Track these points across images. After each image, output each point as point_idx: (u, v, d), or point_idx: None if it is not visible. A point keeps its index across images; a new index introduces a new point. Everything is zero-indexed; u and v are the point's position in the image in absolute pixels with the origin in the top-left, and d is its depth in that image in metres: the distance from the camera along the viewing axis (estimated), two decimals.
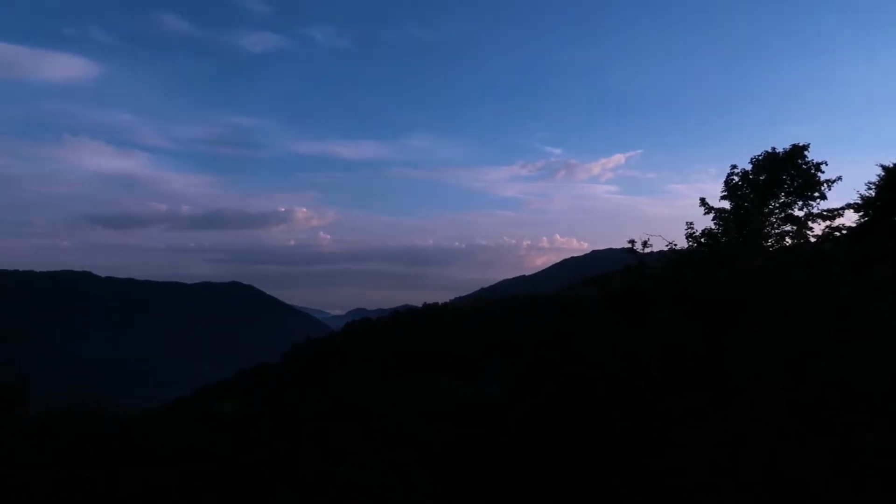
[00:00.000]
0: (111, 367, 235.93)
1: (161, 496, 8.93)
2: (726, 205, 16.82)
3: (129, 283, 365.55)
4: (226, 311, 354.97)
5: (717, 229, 16.03)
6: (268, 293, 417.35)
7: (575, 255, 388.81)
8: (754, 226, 15.59)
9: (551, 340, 13.22)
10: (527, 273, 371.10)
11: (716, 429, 8.12)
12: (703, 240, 15.62)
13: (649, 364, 9.87)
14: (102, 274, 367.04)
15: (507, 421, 11.42)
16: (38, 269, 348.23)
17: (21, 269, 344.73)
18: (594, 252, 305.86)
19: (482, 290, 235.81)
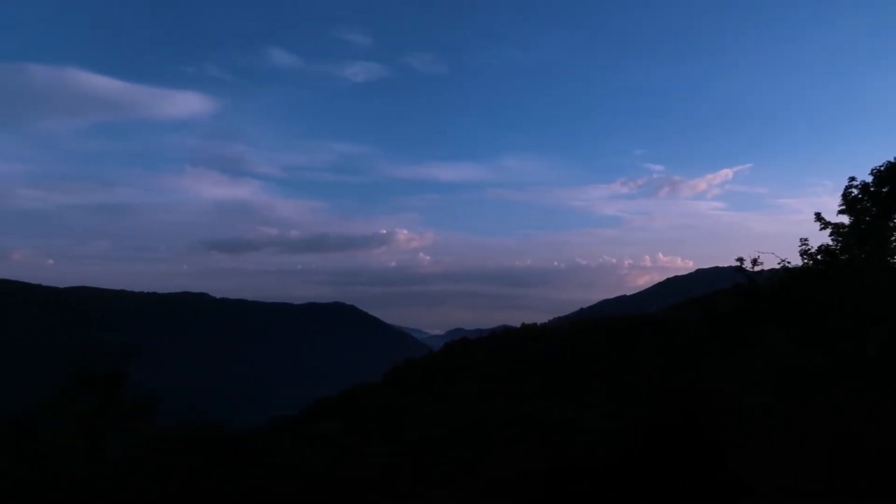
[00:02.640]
0: (224, 385, 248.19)
1: None
2: (845, 219, 15.70)
3: (241, 303, 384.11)
4: (330, 330, 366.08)
5: (836, 246, 14.98)
6: (370, 313, 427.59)
7: (679, 273, 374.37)
8: (878, 241, 14.46)
9: (658, 362, 12.74)
10: (628, 293, 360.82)
11: (837, 458, 7.54)
12: (819, 257, 14.64)
13: (763, 389, 9.31)
14: (217, 295, 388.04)
15: (612, 445, 11.08)
16: (160, 291, 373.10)
17: (146, 291, 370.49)
18: (699, 271, 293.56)
19: (582, 310, 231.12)
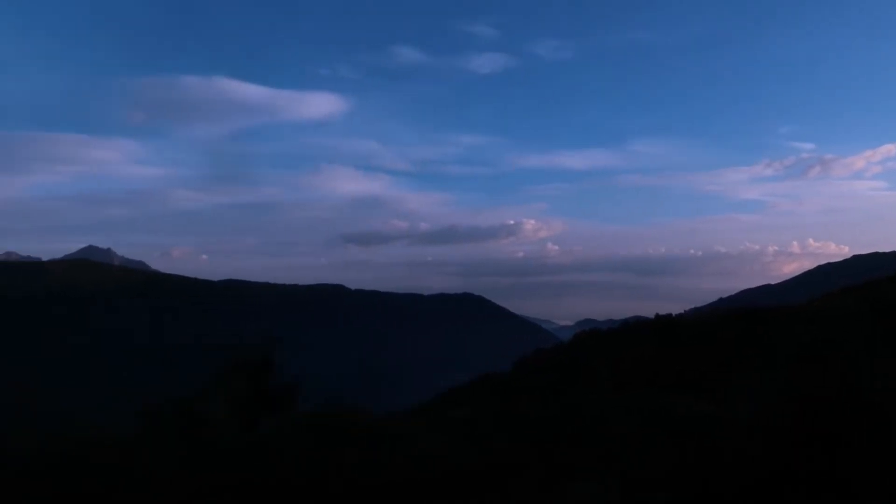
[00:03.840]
0: (360, 372, 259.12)
1: (400, 497, 9.53)
2: None
3: (375, 294, 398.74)
4: (459, 321, 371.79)
5: None
6: (498, 304, 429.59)
7: (832, 260, 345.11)
8: None
9: (809, 358, 11.81)
10: (773, 281, 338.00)
11: None
12: None
13: None
14: (352, 287, 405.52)
15: (755, 443, 10.42)
16: (301, 283, 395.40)
17: (287, 283, 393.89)
18: (856, 257, 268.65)
19: (721, 300, 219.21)
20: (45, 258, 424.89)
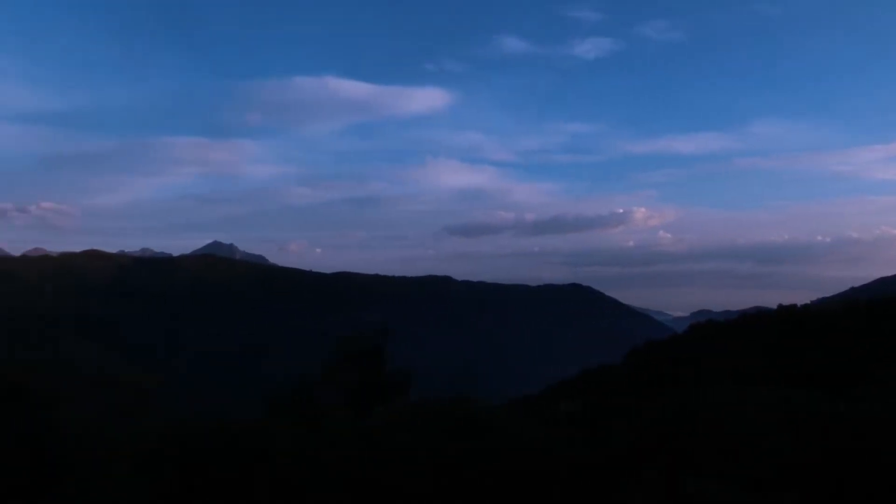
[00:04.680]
0: (467, 364, 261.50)
1: (512, 490, 9.50)
2: None
3: (481, 285, 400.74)
4: (567, 312, 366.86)
5: None
6: (607, 294, 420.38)
7: None
8: None
9: None
10: None
11: None
12: None
13: None
14: (459, 278, 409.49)
15: (893, 444, 9.59)
16: (409, 275, 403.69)
17: (396, 275, 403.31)
18: None
19: (853, 289, 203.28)
20: (175, 254, 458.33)
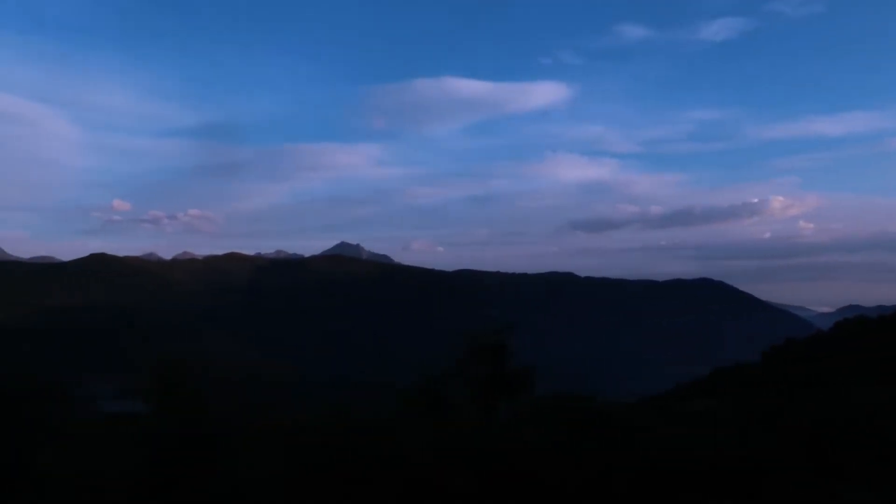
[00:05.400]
0: (591, 361, 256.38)
1: (645, 489, 9.24)
2: None
3: (605, 281, 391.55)
4: (697, 308, 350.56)
5: None
6: (741, 289, 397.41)
7: None
8: None
9: None
10: None
11: None
12: None
13: None
14: (582, 274, 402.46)
15: None
16: (530, 272, 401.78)
17: (518, 272, 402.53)
18: None
19: None
20: (306, 255, 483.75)
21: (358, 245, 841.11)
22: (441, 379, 15.19)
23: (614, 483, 9.30)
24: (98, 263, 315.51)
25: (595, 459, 9.99)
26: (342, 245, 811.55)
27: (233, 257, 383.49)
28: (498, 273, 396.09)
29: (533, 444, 10.60)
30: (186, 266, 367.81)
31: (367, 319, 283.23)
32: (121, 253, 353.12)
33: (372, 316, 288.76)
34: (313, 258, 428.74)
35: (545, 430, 10.90)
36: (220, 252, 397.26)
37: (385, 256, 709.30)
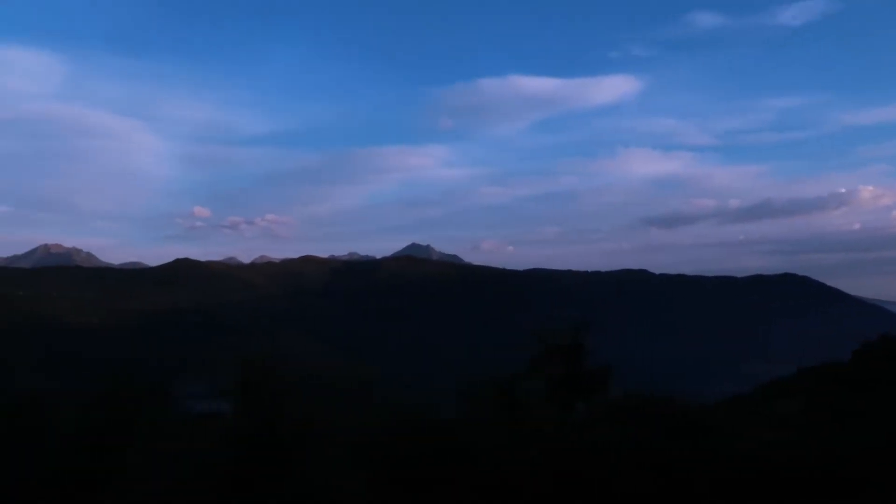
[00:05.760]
0: (667, 360, 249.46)
1: (729, 494, 8.98)
2: None
3: (681, 278, 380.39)
4: (780, 304, 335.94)
5: None
6: (828, 284, 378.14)
7: None
8: None
9: None
10: None
11: None
12: None
13: None
14: (656, 271, 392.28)
15: None
16: (603, 270, 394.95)
17: (590, 270, 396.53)
18: None
19: None
20: (378, 256, 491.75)
21: (428, 246, 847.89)
22: (515, 379, 15.17)
23: (696, 487, 9.07)
24: (182, 268, 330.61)
25: (676, 462, 9.75)
26: (412, 246, 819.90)
27: (307, 260, 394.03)
28: (569, 271, 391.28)
29: (611, 445, 10.45)
30: (264, 269, 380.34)
31: (439, 319, 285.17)
32: (203, 258, 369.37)
33: (443, 316, 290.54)
34: (384, 259, 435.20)
35: (623, 431, 10.72)
36: (295, 255, 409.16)
37: (455, 256, 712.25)
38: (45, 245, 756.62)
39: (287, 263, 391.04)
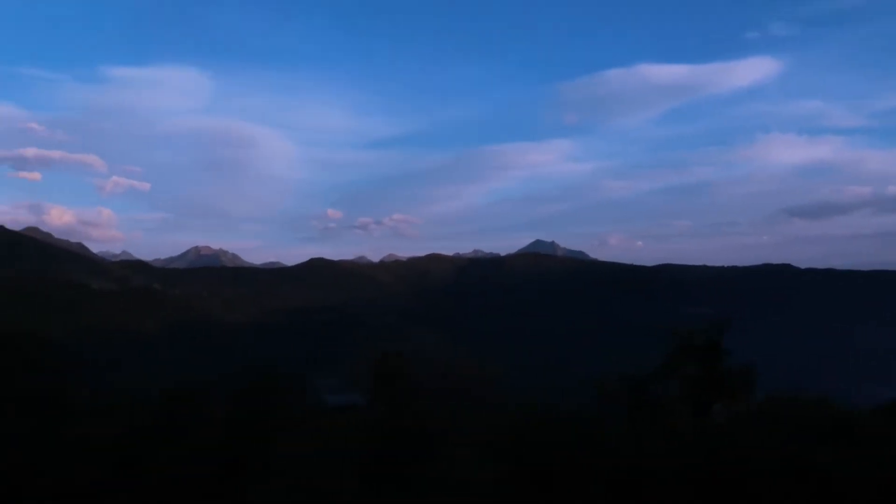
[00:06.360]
0: (816, 361, 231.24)
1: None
2: None
3: (830, 273, 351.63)
4: None
5: None
6: None
7: None
8: None
9: None
10: None
11: None
12: None
13: None
14: (802, 265, 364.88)
15: None
16: (740, 264, 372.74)
17: (726, 265, 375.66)
18: None
19: None
20: (502, 253, 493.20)
21: (553, 242, 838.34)
22: (648, 378, 14.65)
23: (851, 499, 8.34)
24: (317, 267, 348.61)
25: (828, 471, 9.01)
26: (537, 243, 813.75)
27: (433, 258, 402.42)
28: (704, 267, 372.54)
29: (755, 450, 9.81)
30: (392, 267, 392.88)
31: (565, 316, 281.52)
32: (335, 257, 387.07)
33: (570, 313, 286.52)
34: (509, 256, 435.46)
35: (770, 436, 10.02)
36: (421, 253, 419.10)
37: (581, 253, 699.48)
38: (196, 247, 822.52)
39: (414, 261, 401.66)
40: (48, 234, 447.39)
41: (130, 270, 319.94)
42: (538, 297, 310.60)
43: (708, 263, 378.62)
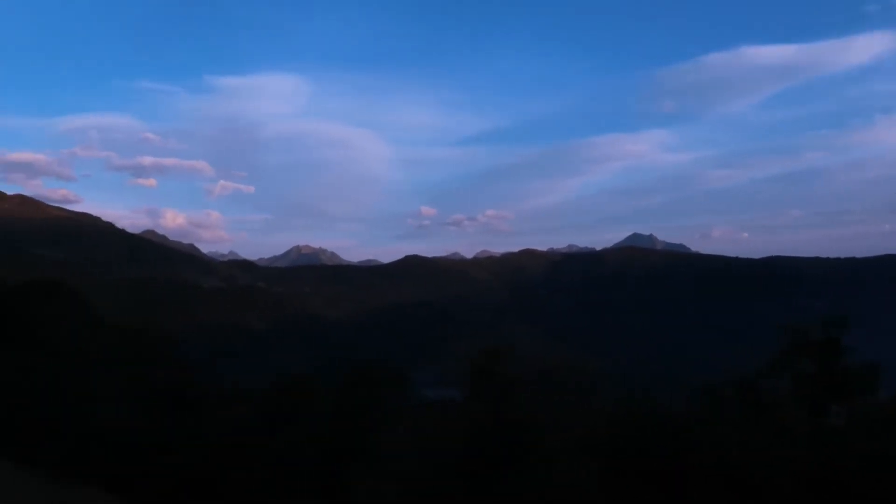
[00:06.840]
0: None
1: None
2: None
3: None
4: None
5: None
6: None
7: None
8: None
9: None
10: None
11: None
12: None
13: None
14: None
15: None
16: (859, 256, 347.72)
17: (841, 256, 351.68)
18: None
19: None
20: (598, 248, 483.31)
21: (651, 235, 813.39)
22: (757, 374, 14.04)
23: None
24: (412, 264, 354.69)
25: None
26: (634, 236, 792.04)
27: (527, 253, 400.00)
28: (817, 259, 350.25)
29: (874, 458, 9.23)
30: (486, 263, 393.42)
31: (665, 312, 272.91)
32: (430, 254, 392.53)
33: (670, 308, 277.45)
34: (605, 251, 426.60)
35: (893, 440, 9.36)
36: (515, 249, 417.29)
37: (681, 246, 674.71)
38: (297, 246, 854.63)
39: (507, 257, 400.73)
40: (163, 237, 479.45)
41: (237, 270, 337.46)
42: (637, 292, 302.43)
43: (821, 255, 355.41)
